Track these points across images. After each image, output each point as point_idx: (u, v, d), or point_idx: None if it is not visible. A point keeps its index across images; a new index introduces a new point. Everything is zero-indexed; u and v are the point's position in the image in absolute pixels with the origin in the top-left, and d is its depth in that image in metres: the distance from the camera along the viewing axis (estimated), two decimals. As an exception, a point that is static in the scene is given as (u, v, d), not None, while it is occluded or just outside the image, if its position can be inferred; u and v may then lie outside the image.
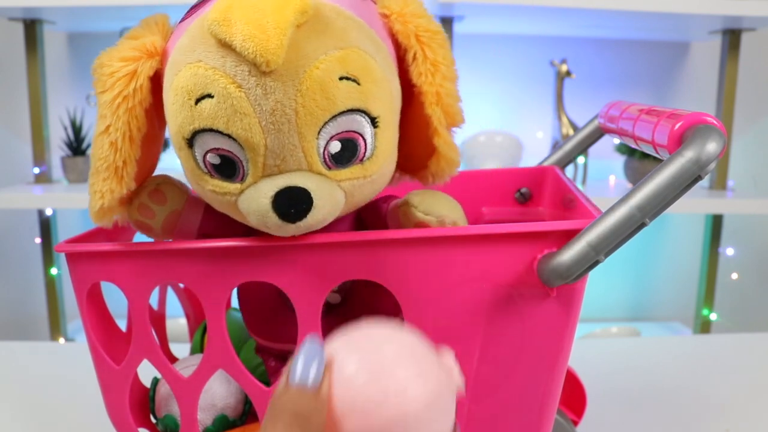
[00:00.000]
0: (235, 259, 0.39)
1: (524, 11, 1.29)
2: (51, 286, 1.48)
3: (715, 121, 0.33)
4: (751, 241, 1.68)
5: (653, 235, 1.72)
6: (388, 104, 0.38)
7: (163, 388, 0.47)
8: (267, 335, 0.46)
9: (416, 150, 0.42)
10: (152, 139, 0.41)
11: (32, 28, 1.38)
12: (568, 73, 1.46)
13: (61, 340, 1.49)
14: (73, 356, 0.78)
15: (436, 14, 1.32)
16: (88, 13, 1.31)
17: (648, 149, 0.39)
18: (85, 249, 0.42)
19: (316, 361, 0.28)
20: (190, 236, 0.43)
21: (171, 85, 0.36)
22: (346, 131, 0.36)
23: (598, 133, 0.58)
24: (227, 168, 0.36)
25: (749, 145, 1.67)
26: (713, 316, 1.54)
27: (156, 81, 0.39)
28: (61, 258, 1.48)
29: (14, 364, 0.75)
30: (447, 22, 1.35)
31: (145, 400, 0.48)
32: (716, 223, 1.52)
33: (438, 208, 0.40)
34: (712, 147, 0.32)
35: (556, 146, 1.12)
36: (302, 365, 0.28)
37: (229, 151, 0.36)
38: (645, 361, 0.77)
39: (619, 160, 1.54)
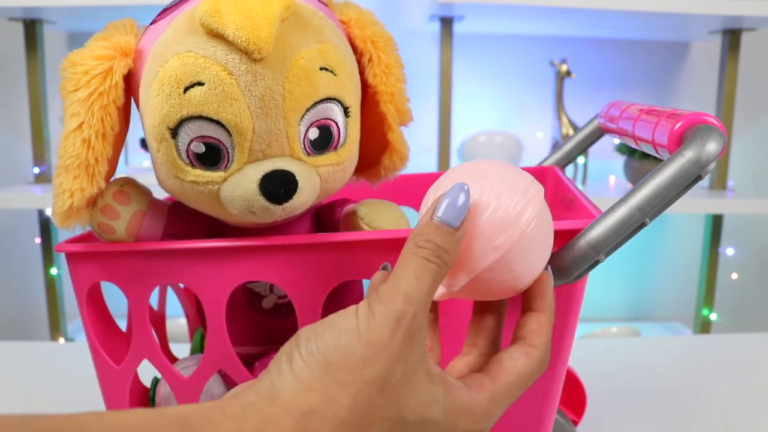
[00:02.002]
0: (235, 259, 0.39)
1: (524, 11, 1.29)
2: (51, 286, 1.48)
3: (715, 121, 0.33)
4: (751, 241, 1.68)
5: (653, 235, 1.72)
6: (356, 97, 0.41)
7: (163, 388, 0.47)
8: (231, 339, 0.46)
9: (370, 146, 0.45)
10: (120, 140, 0.42)
11: (32, 28, 1.38)
12: (568, 73, 1.46)
13: (61, 340, 1.49)
14: (73, 356, 0.78)
15: (436, 14, 1.32)
16: (88, 13, 1.31)
17: (648, 149, 0.39)
18: (85, 249, 0.42)
19: (462, 204, 0.29)
20: (155, 237, 0.43)
21: (155, 78, 0.37)
22: (323, 118, 0.39)
23: (598, 133, 0.58)
24: (211, 157, 0.37)
25: (749, 145, 1.67)
26: (713, 316, 1.54)
27: (127, 80, 0.39)
28: (61, 258, 1.48)
29: (14, 364, 0.75)
30: (447, 22, 1.35)
31: (145, 400, 0.48)
32: (716, 223, 1.52)
33: (381, 222, 0.42)
34: (712, 147, 0.32)
35: (556, 146, 1.12)
36: (449, 207, 0.29)
37: (215, 139, 0.37)
38: (645, 361, 0.77)
39: (619, 160, 1.54)
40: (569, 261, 0.34)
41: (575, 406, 0.57)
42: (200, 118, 0.36)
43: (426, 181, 0.61)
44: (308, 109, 0.38)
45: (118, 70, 0.38)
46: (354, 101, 0.41)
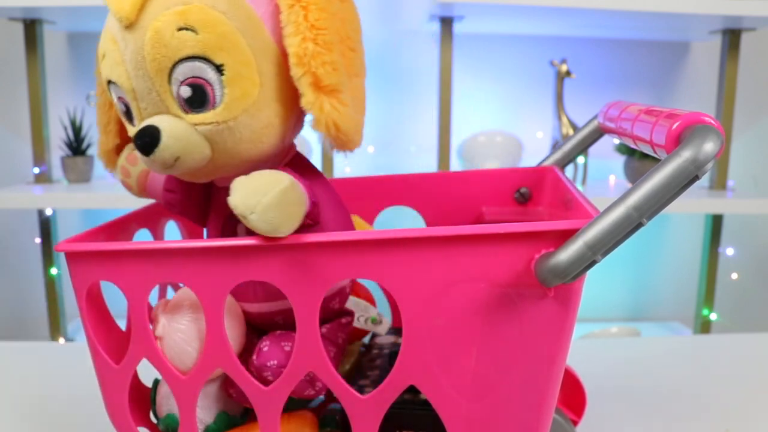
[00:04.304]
0: (234, 259, 0.39)
1: (524, 11, 1.29)
2: (51, 286, 1.48)
3: (712, 121, 0.33)
4: (751, 241, 1.68)
5: (653, 235, 1.72)
6: (239, 57, 0.39)
7: (164, 388, 0.47)
8: (240, 295, 0.46)
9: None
10: None
11: (32, 28, 1.38)
12: (568, 73, 1.47)
13: (61, 340, 1.49)
14: (73, 356, 0.78)
15: (436, 14, 1.32)
16: (88, 13, 1.31)
17: (646, 149, 0.39)
18: (85, 248, 0.42)
19: None
20: (158, 193, 0.49)
21: None
22: (192, 77, 0.39)
23: (597, 133, 0.58)
24: (128, 115, 0.42)
25: (749, 145, 1.67)
26: (713, 316, 1.54)
27: None
28: (61, 258, 1.48)
29: (14, 364, 0.75)
30: (447, 22, 1.35)
31: (144, 400, 0.48)
32: (716, 223, 1.52)
33: (235, 185, 0.37)
34: (709, 147, 0.32)
35: (556, 146, 1.12)
36: None
37: (125, 99, 0.42)
38: (645, 361, 0.77)
39: (619, 160, 1.55)
40: (566, 261, 0.34)
41: (575, 406, 0.57)
42: (110, 82, 0.42)
43: (426, 181, 0.61)
44: (172, 69, 0.39)
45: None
46: (234, 61, 0.39)
